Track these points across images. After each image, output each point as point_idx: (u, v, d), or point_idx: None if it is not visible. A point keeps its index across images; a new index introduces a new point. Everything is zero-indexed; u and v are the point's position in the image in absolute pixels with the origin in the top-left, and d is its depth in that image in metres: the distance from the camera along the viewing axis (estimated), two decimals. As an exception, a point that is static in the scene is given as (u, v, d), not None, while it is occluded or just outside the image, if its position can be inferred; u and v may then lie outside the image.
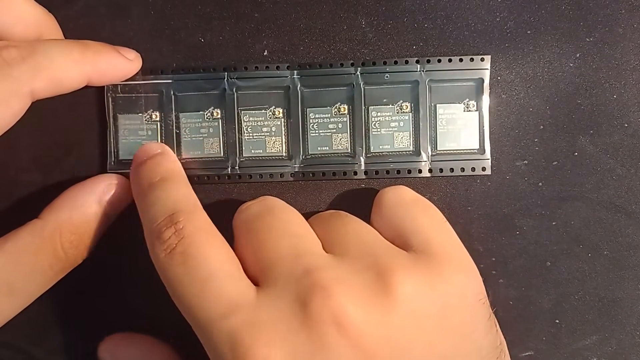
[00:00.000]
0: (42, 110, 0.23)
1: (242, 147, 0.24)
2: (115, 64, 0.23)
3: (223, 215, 0.21)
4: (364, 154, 0.24)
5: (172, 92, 0.24)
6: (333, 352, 0.17)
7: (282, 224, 0.21)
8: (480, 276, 0.21)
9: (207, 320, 0.18)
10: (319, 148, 0.24)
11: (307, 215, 0.22)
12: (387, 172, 0.24)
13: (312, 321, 0.18)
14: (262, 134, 0.24)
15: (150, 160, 0.22)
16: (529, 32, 0.24)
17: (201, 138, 0.24)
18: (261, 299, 0.19)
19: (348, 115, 0.24)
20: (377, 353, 0.18)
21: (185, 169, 0.24)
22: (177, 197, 0.21)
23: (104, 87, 0.24)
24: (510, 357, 0.21)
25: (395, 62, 0.24)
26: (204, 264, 0.19)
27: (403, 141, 0.24)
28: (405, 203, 0.22)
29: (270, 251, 0.20)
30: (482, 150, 0.24)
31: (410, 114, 0.24)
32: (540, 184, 0.24)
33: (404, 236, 0.21)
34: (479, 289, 0.20)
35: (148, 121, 0.24)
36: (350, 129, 0.24)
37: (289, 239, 0.20)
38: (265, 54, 0.24)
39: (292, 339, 0.18)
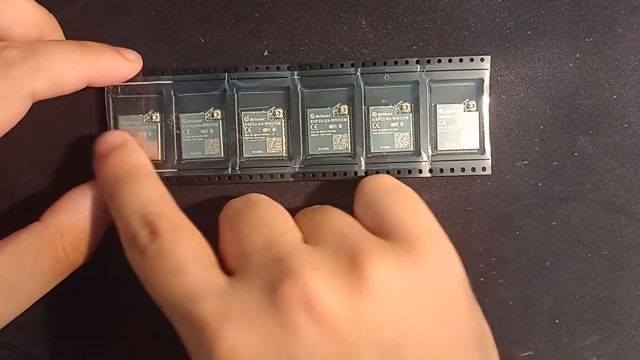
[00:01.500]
0: (42, 111, 0.23)
1: (242, 147, 0.24)
2: (116, 65, 0.23)
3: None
4: (364, 155, 0.24)
5: (172, 93, 0.24)
6: (303, 336, 0.17)
7: (261, 217, 0.21)
8: (462, 262, 0.20)
9: (179, 306, 0.19)
10: (319, 148, 0.24)
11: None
12: (388, 172, 0.24)
13: (281, 305, 0.18)
14: (262, 134, 0.24)
15: (113, 155, 0.22)
16: (529, 32, 0.24)
17: (201, 139, 0.24)
18: (233, 286, 0.19)
19: (348, 116, 0.24)
20: (346, 335, 0.18)
21: (185, 169, 0.24)
22: (146, 196, 0.21)
23: (104, 88, 0.24)
24: (510, 357, 0.22)
25: (395, 63, 0.24)
26: (176, 255, 0.19)
27: (403, 141, 0.24)
28: (384, 189, 0.21)
29: (246, 242, 0.20)
30: (482, 150, 0.24)
31: (411, 114, 0.24)
32: (540, 184, 0.24)
33: (383, 221, 0.21)
34: (459, 274, 0.20)
35: (148, 122, 0.24)
36: (350, 129, 0.24)
37: (265, 229, 0.20)
38: (265, 54, 0.24)
39: (262, 325, 0.18)
